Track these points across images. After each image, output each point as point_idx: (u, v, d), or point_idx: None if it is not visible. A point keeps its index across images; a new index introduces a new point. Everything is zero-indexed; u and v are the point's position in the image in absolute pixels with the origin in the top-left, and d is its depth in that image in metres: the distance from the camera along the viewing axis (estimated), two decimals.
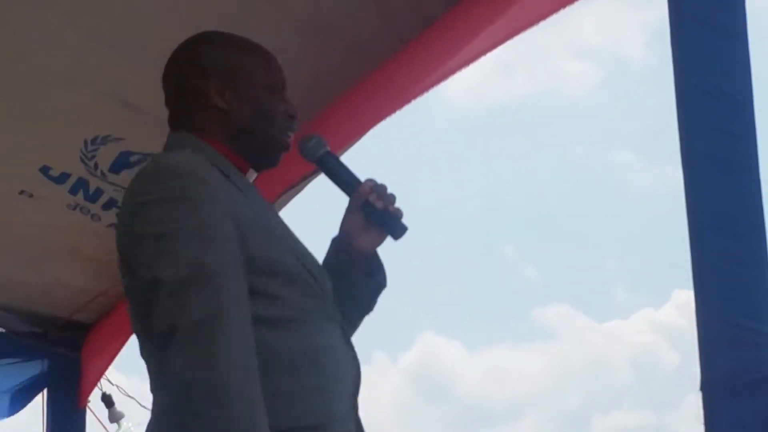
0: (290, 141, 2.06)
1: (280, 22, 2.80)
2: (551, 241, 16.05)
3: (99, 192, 3.32)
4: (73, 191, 3.30)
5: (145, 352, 1.87)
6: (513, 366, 14.41)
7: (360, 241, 2.11)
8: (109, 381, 4.18)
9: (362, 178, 2.12)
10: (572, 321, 15.05)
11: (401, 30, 2.89)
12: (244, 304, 1.78)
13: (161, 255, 1.78)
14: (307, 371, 1.81)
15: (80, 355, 4.13)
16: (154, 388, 1.85)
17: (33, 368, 4.15)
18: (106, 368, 4.11)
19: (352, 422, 1.92)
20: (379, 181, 2.10)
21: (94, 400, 4.19)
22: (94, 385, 4.15)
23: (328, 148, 2.14)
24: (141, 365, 1.90)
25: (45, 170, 3.22)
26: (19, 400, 4.17)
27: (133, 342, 2.40)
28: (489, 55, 2.72)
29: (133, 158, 3.19)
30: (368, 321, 2.17)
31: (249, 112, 2.01)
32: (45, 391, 4.17)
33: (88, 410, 4.19)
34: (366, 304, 2.15)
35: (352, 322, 2.11)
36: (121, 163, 3.21)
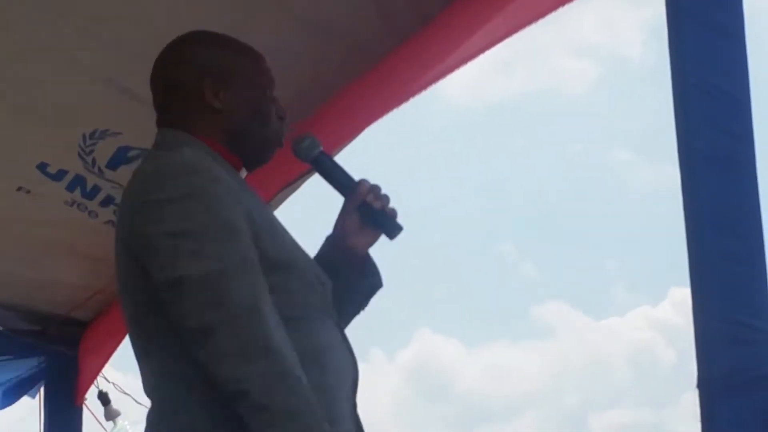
0: (282, 140, 2.07)
1: (280, 22, 2.80)
2: (550, 239, 16.06)
3: (96, 189, 3.31)
4: (70, 188, 3.29)
5: (142, 352, 1.87)
6: (511, 364, 14.43)
7: (355, 241, 2.12)
8: (105, 378, 4.18)
9: (357, 177, 2.13)
10: (571, 319, 15.07)
11: (401, 29, 2.89)
12: (269, 297, 1.79)
13: (182, 253, 1.77)
14: (310, 371, 1.82)
15: (77, 353, 4.12)
16: (155, 388, 1.84)
17: (30, 365, 4.14)
18: (102, 366, 4.09)
19: (351, 422, 1.93)
20: (378, 179, 2.12)
21: (91, 397, 4.19)
22: (91, 382, 4.14)
23: (322, 148, 2.14)
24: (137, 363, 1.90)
25: (42, 167, 3.22)
26: (12, 394, 4.16)
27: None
28: (488, 52, 2.72)
29: (131, 153, 3.18)
30: (365, 318, 2.18)
31: (245, 113, 2.01)
32: (42, 388, 4.16)
33: (84, 408, 4.19)
34: (358, 304, 2.16)
35: (344, 320, 2.11)
36: (118, 159, 3.20)
